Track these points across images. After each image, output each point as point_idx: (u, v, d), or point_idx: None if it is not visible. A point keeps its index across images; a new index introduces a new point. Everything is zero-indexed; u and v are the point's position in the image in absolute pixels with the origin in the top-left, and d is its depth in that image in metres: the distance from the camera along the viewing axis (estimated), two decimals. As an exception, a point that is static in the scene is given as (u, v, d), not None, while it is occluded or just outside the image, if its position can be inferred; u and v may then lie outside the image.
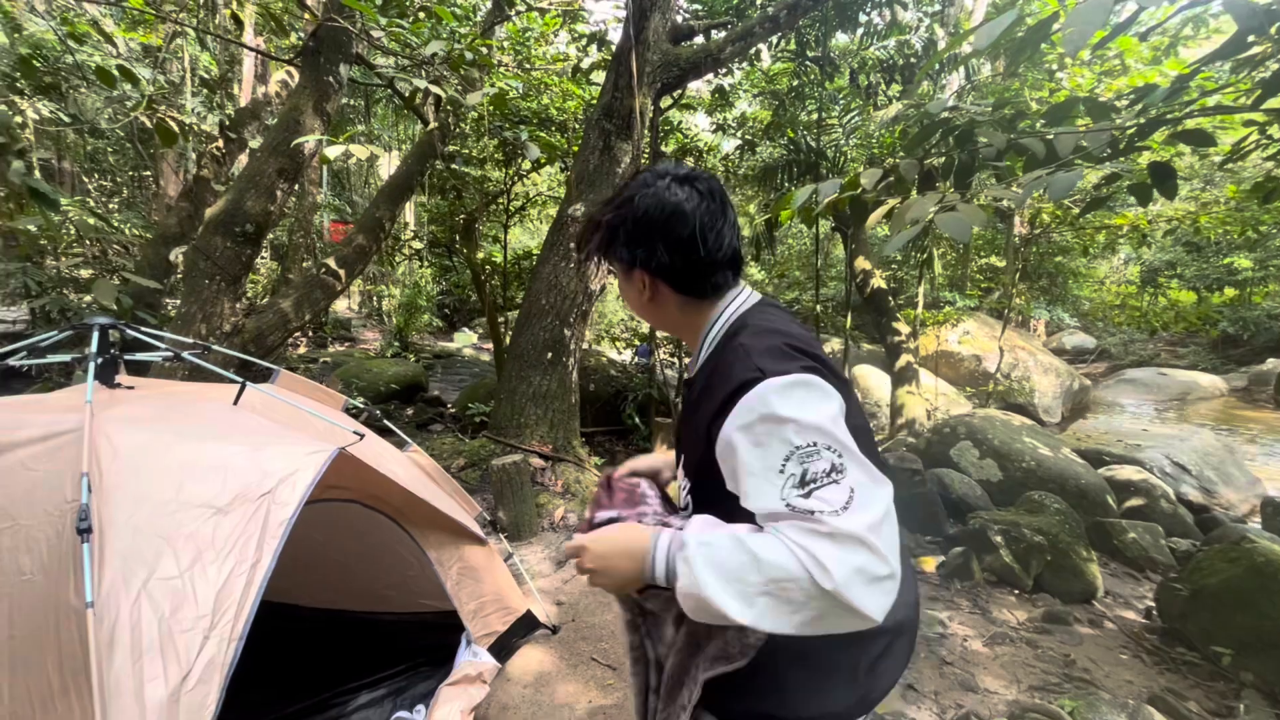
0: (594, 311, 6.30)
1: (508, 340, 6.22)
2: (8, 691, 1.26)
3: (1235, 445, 5.94)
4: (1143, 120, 2.00)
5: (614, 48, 5.63)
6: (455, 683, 2.14)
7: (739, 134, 8.41)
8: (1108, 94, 4.53)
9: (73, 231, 7.78)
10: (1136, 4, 1.50)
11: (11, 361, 2.03)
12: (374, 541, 2.49)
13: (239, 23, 6.65)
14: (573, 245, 4.58)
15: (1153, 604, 3.16)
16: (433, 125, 6.12)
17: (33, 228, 3.62)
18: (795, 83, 7.47)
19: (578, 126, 6.89)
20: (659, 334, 6.94)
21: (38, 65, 6.83)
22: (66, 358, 2.15)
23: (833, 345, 11.10)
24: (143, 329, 2.06)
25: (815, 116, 7.17)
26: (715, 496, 0.88)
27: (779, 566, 0.72)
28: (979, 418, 5.07)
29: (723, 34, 5.40)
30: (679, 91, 6.88)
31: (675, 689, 0.95)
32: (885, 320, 7.14)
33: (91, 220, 7.87)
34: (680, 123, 8.49)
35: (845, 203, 2.30)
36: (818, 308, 8.20)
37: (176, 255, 6.63)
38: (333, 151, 3.09)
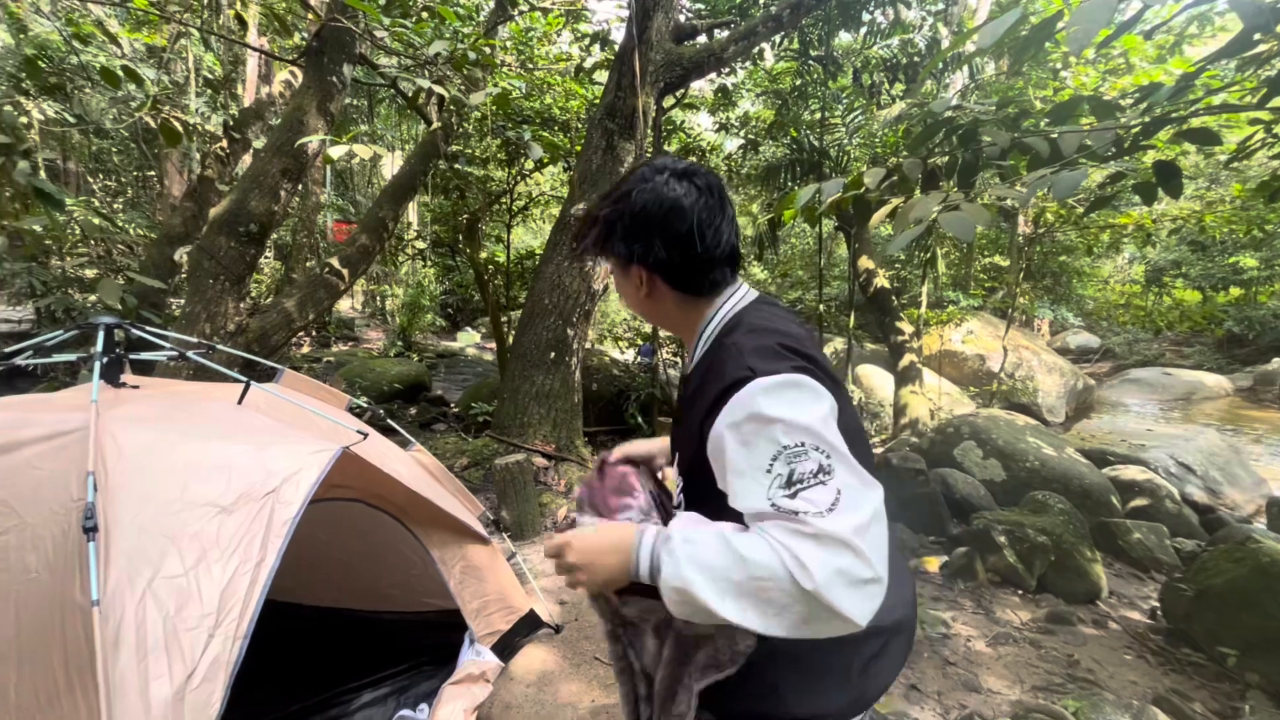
0: (597, 311, 6.30)
1: (511, 340, 6.24)
2: (14, 688, 1.27)
3: (1240, 445, 5.92)
4: (1147, 119, 1.99)
5: (617, 47, 5.64)
6: (458, 681, 2.15)
7: (742, 133, 8.40)
8: (1112, 93, 4.52)
9: (78, 231, 7.82)
10: (1141, 2, 1.49)
11: (17, 361, 2.04)
12: (377, 540, 2.50)
13: (243, 23, 6.67)
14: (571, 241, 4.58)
15: (1157, 604, 3.15)
16: (436, 125, 6.13)
17: (38, 228, 3.64)
18: (798, 82, 7.46)
19: (580, 126, 6.90)
20: (662, 333, 6.93)
21: (43, 66, 6.85)
22: (72, 357, 2.16)
23: (836, 345, 11.08)
24: (148, 328, 2.07)
25: (818, 116, 7.16)
26: (707, 495, 0.88)
27: (762, 565, 0.72)
28: (983, 417, 5.05)
29: (726, 33, 5.40)
30: (682, 91, 6.87)
31: (669, 700, 0.95)
32: (889, 320, 7.12)
33: (96, 220, 7.91)
34: (683, 122, 8.49)
35: (848, 202, 2.30)
36: (821, 307, 8.19)
37: (181, 255, 6.66)
38: (336, 151, 3.10)
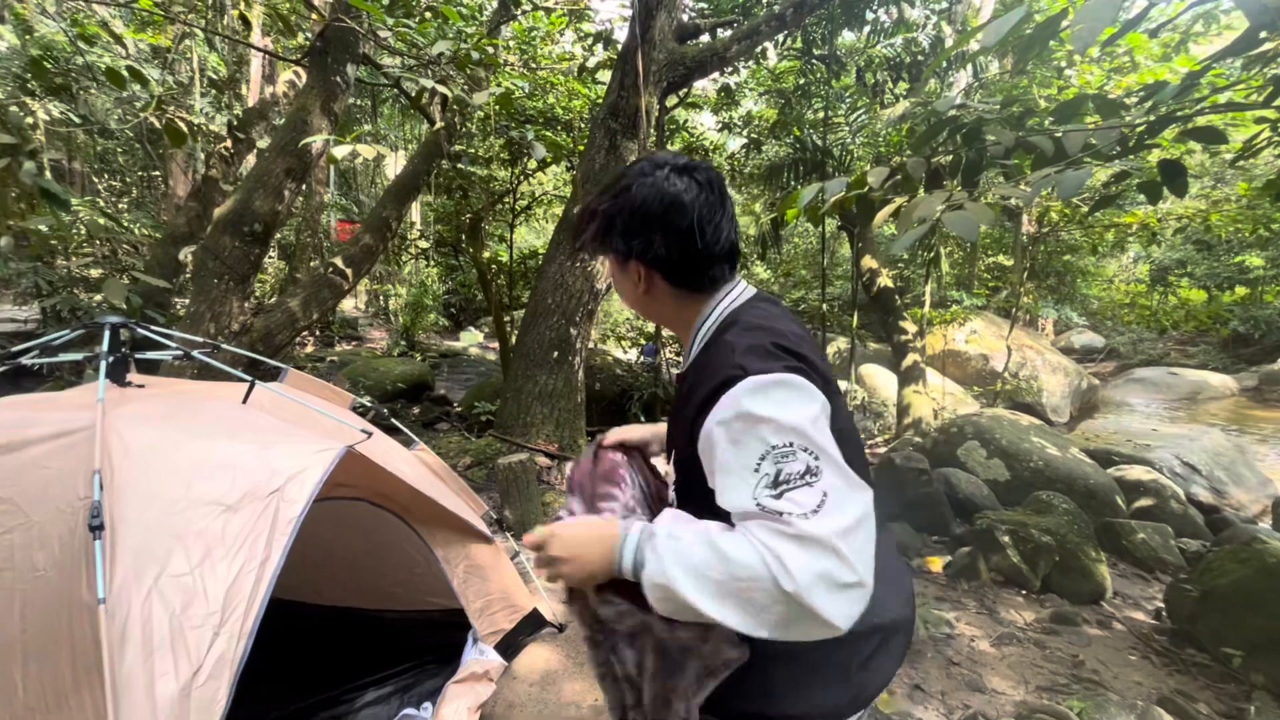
0: (600, 310, 6.31)
1: (514, 339, 6.24)
2: (22, 686, 1.27)
3: (1246, 445, 5.89)
4: (1153, 118, 1.99)
5: (620, 47, 5.64)
6: (462, 680, 2.15)
7: (745, 133, 8.40)
8: (1117, 91, 4.50)
9: (83, 231, 7.84)
10: (1146, 0, 1.49)
11: (24, 360, 2.05)
12: (381, 539, 2.50)
13: (247, 23, 6.69)
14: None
15: (1162, 605, 3.14)
16: (439, 125, 6.14)
17: (44, 228, 3.66)
18: (801, 81, 7.45)
19: (583, 125, 6.90)
20: (665, 333, 6.94)
21: (49, 66, 6.88)
22: (78, 356, 2.17)
23: (839, 344, 11.07)
24: (153, 328, 2.08)
25: (821, 115, 7.15)
26: (698, 492, 0.88)
27: (744, 565, 0.72)
28: (986, 417, 5.04)
29: (729, 32, 5.39)
30: (685, 90, 6.87)
31: (664, 711, 0.93)
32: (892, 319, 7.11)
33: (101, 220, 7.94)
34: (686, 121, 8.49)
35: (852, 201, 2.29)
36: (824, 307, 8.18)
37: (185, 255, 6.68)
38: (340, 151, 3.11)
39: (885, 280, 7.23)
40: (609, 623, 0.90)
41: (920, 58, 6.50)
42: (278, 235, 8.86)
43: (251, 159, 7.77)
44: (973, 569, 3.47)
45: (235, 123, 7.50)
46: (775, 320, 0.92)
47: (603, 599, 0.88)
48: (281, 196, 4.52)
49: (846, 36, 7.48)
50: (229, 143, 7.41)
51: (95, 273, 7.92)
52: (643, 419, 6.38)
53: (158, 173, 11.52)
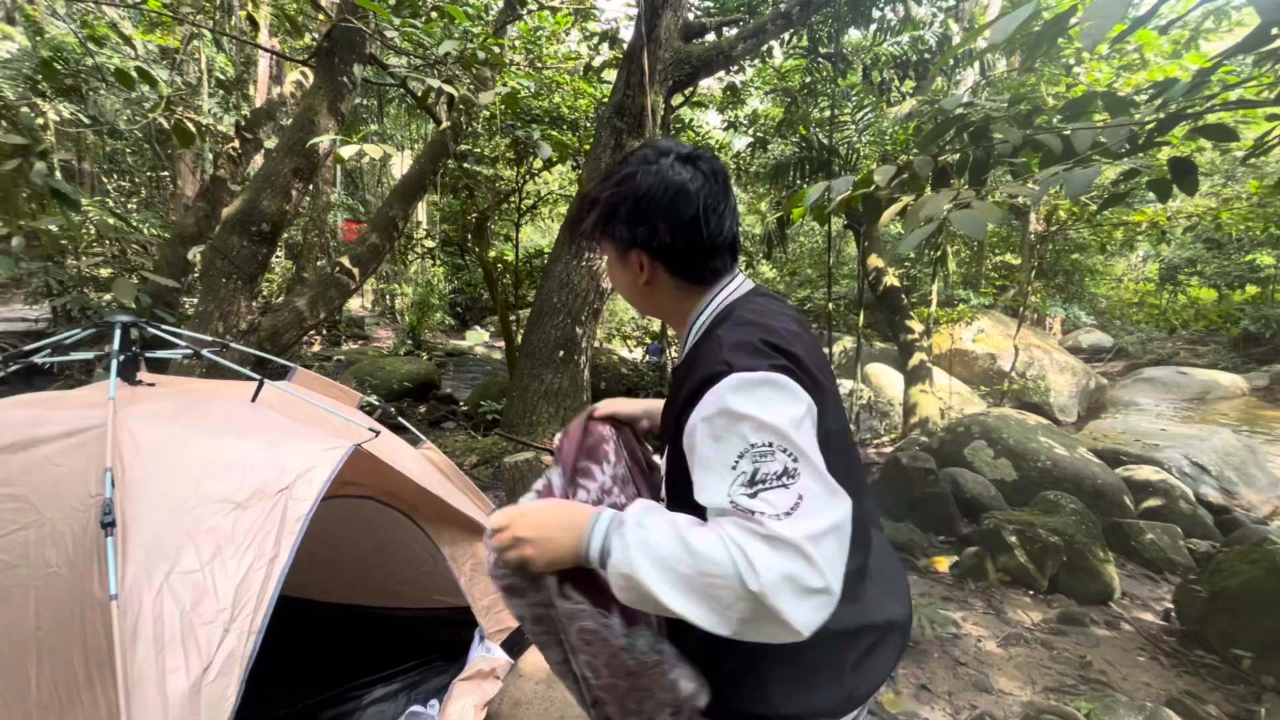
0: (605, 310, 6.31)
1: (519, 338, 6.26)
2: (35, 682, 1.29)
3: (1256, 445, 5.83)
4: (1162, 115, 1.97)
5: (625, 46, 5.64)
6: (469, 678, 2.16)
7: (751, 131, 8.39)
8: (1126, 89, 4.47)
9: (93, 231, 7.91)
10: (1157, -3, 1.48)
11: (36, 359, 2.08)
12: (389, 537, 2.52)
13: (254, 24, 6.72)
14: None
15: (1171, 606, 3.13)
16: (445, 124, 6.16)
17: (54, 228, 3.69)
18: (807, 79, 7.43)
19: (589, 125, 6.90)
20: (669, 332, 6.94)
21: (59, 68, 6.94)
22: (89, 355, 2.19)
23: (845, 343, 11.04)
24: (163, 326, 2.10)
25: (828, 113, 7.13)
26: (687, 490, 0.86)
27: (711, 560, 0.71)
28: (993, 417, 5.02)
29: (734, 31, 5.38)
30: (690, 89, 6.86)
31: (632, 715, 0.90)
32: (898, 318, 7.09)
33: (111, 220, 8.01)
34: (692, 120, 8.48)
35: (858, 200, 2.29)
36: (830, 306, 8.17)
37: (194, 254, 6.73)
38: (347, 151, 3.12)
39: (891, 279, 7.21)
40: (561, 617, 0.87)
41: (927, 56, 6.47)
42: (285, 235, 8.91)
43: (259, 159, 7.81)
44: (980, 569, 3.46)
45: (243, 123, 7.54)
46: (770, 316, 0.90)
47: (562, 590, 0.85)
48: (289, 196, 4.54)
49: (853, 34, 7.45)
50: (237, 143, 7.45)
51: (105, 272, 7.99)
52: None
53: (166, 173, 11.60)
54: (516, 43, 6.84)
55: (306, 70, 6.34)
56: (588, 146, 6.18)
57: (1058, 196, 5.80)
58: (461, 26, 4.34)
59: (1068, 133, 1.91)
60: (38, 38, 8.16)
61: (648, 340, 8.24)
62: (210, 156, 9.57)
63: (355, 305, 15.07)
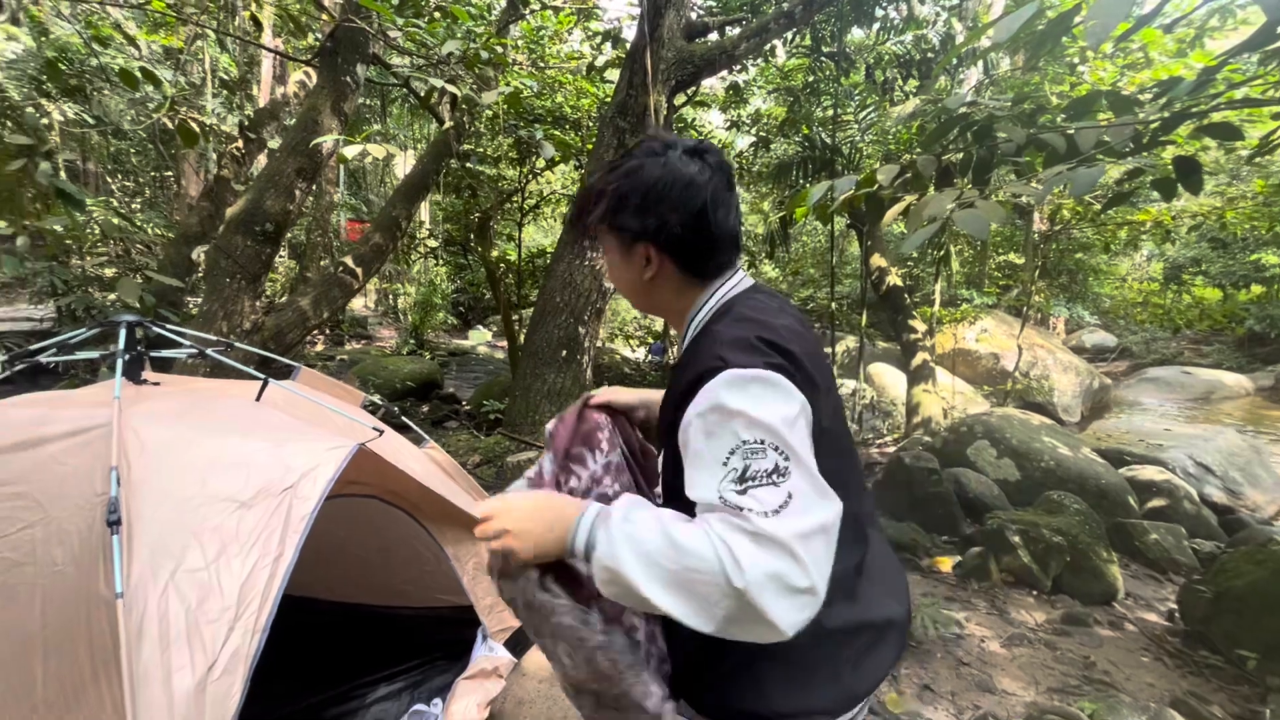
0: (608, 309, 6.32)
1: (522, 338, 6.26)
2: (41, 679, 1.30)
3: (1261, 445, 5.80)
4: (1167, 114, 1.97)
5: (628, 45, 5.64)
6: (471, 676, 2.16)
7: (753, 131, 8.38)
8: (1130, 87, 4.45)
9: (97, 231, 7.94)
10: (1161, -4, 1.48)
11: (41, 358, 2.09)
12: (392, 536, 2.52)
13: (258, 24, 6.73)
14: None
15: (1175, 606, 3.11)
16: (448, 124, 6.16)
17: (59, 227, 3.71)
18: (810, 79, 7.43)
19: (592, 125, 6.91)
20: (673, 332, 6.94)
21: (64, 68, 6.98)
22: (94, 354, 2.20)
23: (848, 343, 11.03)
24: (167, 326, 2.11)
25: (830, 113, 7.11)
26: (682, 484, 0.86)
27: (697, 556, 0.71)
28: (996, 416, 5.01)
29: (737, 30, 5.38)
30: (693, 88, 6.86)
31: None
32: (901, 318, 7.08)
33: (115, 220, 8.04)
34: (694, 120, 8.47)
35: (861, 200, 2.29)
36: (833, 305, 8.16)
37: (198, 254, 6.75)
38: (350, 151, 3.13)
39: (894, 279, 7.19)
40: (540, 609, 0.86)
41: (930, 55, 6.46)
42: (288, 235, 8.94)
43: (263, 159, 7.83)
44: (983, 569, 3.45)
45: (246, 123, 7.57)
46: (768, 313, 0.90)
47: (543, 584, 0.85)
48: (292, 196, 4.56)
49: (856, 33, 7.44)
50: (240, 143, 7.47)
51: (109, 272, 8.01)
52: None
53: (170, 173, 11.63)
54: (519, 42, 6.84)
55: (310, 70, 6.36)
56: (590, 146, 6.18)
57: (1061, 196, 5.78)
58: (464, 26, 4.35)
59: (1072, 132, 1.91)
60: (43, 38, 8.19)
61: (650, 340, 8.25)
62: (214, 156, 9.60)
63: (358, 305, 15.10)
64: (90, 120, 9.32)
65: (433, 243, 10.71)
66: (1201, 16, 5.00)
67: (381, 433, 2.06)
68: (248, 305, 4.42)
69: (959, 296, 9.58)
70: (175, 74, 8.86)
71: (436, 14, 4.45)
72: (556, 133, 6.72)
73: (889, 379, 9.29)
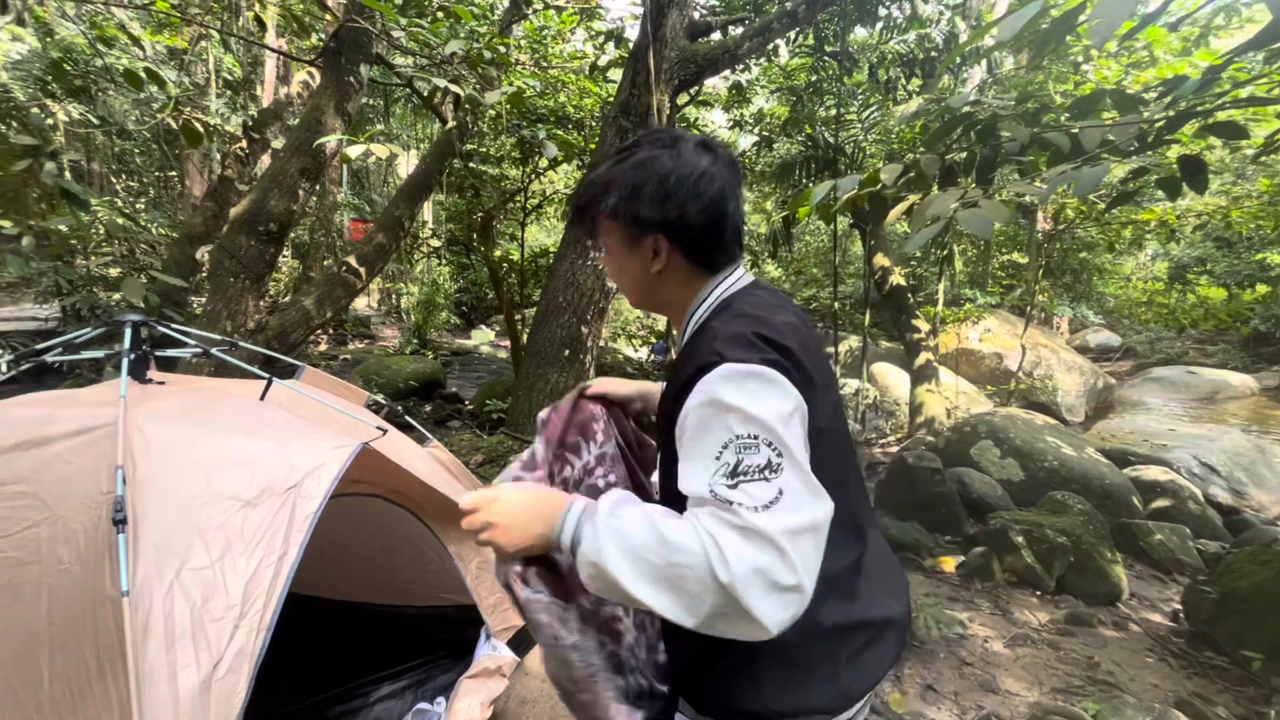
0: (610, 309, 6.32)
1: (525, 338, 6.27)
2: (47, 677, 1.30)
3: (1266, 445, 5.78)
4: (1172, 113, 1.96)
5: (631, 45, 5.64)
6: (475, 675, 2.17)
7: (756, 130, 8.37)
8: (1135, 86, 4.43)
9: (102, 231, 7.97)
10: (1166, -6, 1.47)
11: (47, 358, 2.10)
12: (396, 535, 2.53)
13: (262, 25, 6.75)
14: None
15: (1179, 607, 3.11)
16: (451, 124, 6.17)
17: (64, 227, 3.72)
18: (813, 78, 7.41)
19: (595, 124, 6.90)
20: (675, 332, 6.93)
21: (68, 69, 7.00)
22: (99, 354, 2.20)
23: (851, 343, 11.01)
24: (172, 325, 2.11)
25: (834, 112, 7.10)
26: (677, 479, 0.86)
27: (683, 550, 0.70)
28: (1000, 416, 5.00)
29: (740, 30, 5.37)
30: (696, 88, 6.86)
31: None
32: (904, 318, 7.06)
33: (120, 220, 8.07)
34: (697, 119, 8.47)
35: (864, 199, 2.29)
36: (836, 305, 8.14)
37: (202, 254, 6.78)
38: (353, 151, 3.14)
39: (898, 278, 7.18)
40: (524, 605, 0.86)
41: (934, 54, 6.44)
42: (292, 234, 8.96)
43: (266, 159, 7.85)
44: (986, 569, 3.44)
45: (250, 123, 7.59)
46: (767, 309, 0.90)
47: (525, 578, 0.84)
48: (296, 196, 4.57)
49: (859, 33, 7.43)
50: (244, 143, 7.50)
51: (114, 272, 8.05)
52: (653, 418, 6.37)
53: (174, 173, 11.67)
54: (522, 42, 6.85)
55: (313, 70, 6.38)
56: (593, 146, 6.18)
57: (1066, 195, 5.77)
58: (468, 26, 4.35)
59: (1076, 131, 1.90)
60: (47, 39, 8.22)
61: (653, 339, 8.25)
62: (218, 156, 9.63)
63: (361, 304, 15.11)
64: (95, 120, 9.36)
65: (436, 242, 10.72)
66: (1206, 15, 4.98)
67: (385, 432, 2.07)
68: (252, 305, 4.43)
69: (962, 296, 9.55)
70: (179, 74, 8.88)
71: (440, 14, 4.46)
72: (559, 132, 6.72)
73: (892, 379, 9.28)
